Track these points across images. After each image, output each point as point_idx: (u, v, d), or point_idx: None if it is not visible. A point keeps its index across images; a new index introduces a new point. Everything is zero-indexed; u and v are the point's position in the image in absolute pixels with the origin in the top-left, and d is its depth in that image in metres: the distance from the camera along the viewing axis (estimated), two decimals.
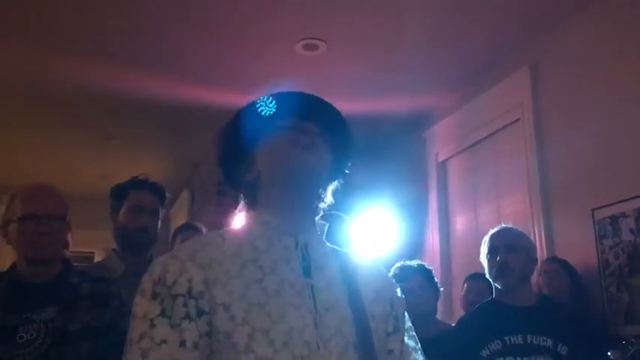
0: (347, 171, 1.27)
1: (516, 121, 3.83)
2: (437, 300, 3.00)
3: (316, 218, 1.22)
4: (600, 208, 3.07)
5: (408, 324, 1.30)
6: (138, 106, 4.60)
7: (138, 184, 2.43)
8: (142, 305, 1.05)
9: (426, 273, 2.90)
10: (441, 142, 4.61)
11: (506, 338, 2.14)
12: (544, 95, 3.61)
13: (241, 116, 1.25)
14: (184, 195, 6.32)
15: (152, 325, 1.02)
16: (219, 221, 4.76)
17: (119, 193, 2.43)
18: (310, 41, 3.70)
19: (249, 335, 1.02)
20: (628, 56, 3.05)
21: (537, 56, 3.67)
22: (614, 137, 3.07)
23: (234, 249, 1.12)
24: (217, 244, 1.12)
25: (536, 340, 2.13)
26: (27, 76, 4.11)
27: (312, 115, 1.21)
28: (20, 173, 5.30)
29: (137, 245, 2.39)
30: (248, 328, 1.02)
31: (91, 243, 6.04)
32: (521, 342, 2.14)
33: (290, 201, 1.17)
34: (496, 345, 2.14)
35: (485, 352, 2.13)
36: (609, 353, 2.45)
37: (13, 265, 1.88)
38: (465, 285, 3.51)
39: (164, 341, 1.01)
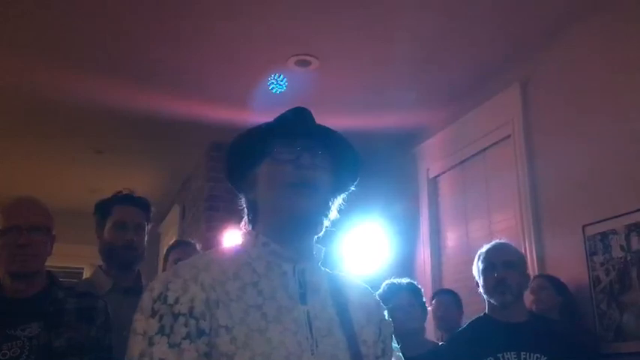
0: (352, 188, 1.28)
1: (507, 137, 3.84)
2: (425, 318, 2.99)
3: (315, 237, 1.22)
4: (591, 224, 3.07)
5: (395, 344, 1.31)
6: (128, 120, 4.57)
7: (122, 198, 2.40)
8: (140, 322, 1.05)
9: (414, 291, 2.89)
10: (431, 158, 4.62)
11: (500, 355, 2.12)
12: (534, 112, 3.63)
13: (246, 135, 1.25)
14: (175, 210, 6.28)
15: (151, 344, 1.02)
16: (210, 237, 4.74)
17: (103, 209, 2.39)
18: (302, 57, 3.70)
19: (251, 359, 1.03)
20: (618, 73, 3.06)
21: (528, 73, 3.69)
22: (605, 154, 3.07)
23: (234, 270, 1.13)
24: (218, 264, 1.13)
25: (529, 357, 2.12)
26: (15, 87, 4.09)
27: (314, 140, 1.20)
28: (7, 186, 5.25)
29: (124, 262, 2.36)
30: (249, 352, 1.03)
31: (80, 258, 5.98)
32: (515, 358, 2.12)
33: (287, 232, 1.18)
34: None
35: None
36: None
37: None
38: (434, 301, 3.54)
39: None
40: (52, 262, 2.07)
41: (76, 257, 5.94)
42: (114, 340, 1.91)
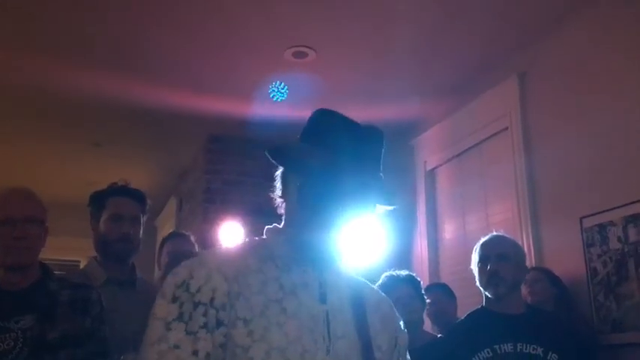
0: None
1: (504, 129, 3.83)
2: (424, 311, 2.99)
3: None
4: (588, 216, 3.06)
5: (407, 357, 1.33)
6: (125, 112, 4.56)
7: (117, 190, 2.38)
8: (161, 307, 1.07)
9: (414, 283, 2.89)
10: (429, 150, 4.61)
11: (497, 347, 2.13)
12: (532, 104, 3.62)
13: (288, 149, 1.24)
14: (172, 203, 6.27)
15: (169, 328, 1.04)
16: (207, 230, 4.73)
17: (98, 200, 2.37)
18: (299, 49, 3.68)
19: (267, 352, 1.04)
20: (617, 65, 3.05)
21: (526, 65, 3.68)
22: (603, 145, 3.07)
23: (257, 263, 1.14)
24: (242, 256, 1.15)
25: (526, 349, 2.13)
26: (11, 80, 4.06)
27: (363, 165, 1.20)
28: (3, 179, 5.23)
29: (119, 254, 2.35)
30: (265, 346, 1.05)
31: (76, 251, 5.97)
32: (512, 350, 2.13)
33: (315, 234, 1.19)
34: (486, 353, 2.13)
35: None
36: None
37: None
38: (427, 298, 3.51)
39: (177, 346, 1.03)
40: (49, 255, 2.07)
41: (73, 250, 5.93)
42: (108, 331, 1.90)
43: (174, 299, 1.06)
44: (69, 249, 5.97)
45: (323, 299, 1.16)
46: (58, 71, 3.93)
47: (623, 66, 3.00)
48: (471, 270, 2.42)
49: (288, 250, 1.18)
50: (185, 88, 4.21)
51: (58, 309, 1.80)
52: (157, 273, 3.38)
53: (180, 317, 1.05)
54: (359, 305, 1.20)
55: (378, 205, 1.24)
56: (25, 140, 5.14)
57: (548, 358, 2.11)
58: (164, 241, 3.12)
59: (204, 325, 1.05)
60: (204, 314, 1.05)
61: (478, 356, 2.13)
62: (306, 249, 1.18)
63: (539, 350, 2.12)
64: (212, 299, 1.06)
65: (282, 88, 4.24)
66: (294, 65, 3.83)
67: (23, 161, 5.53)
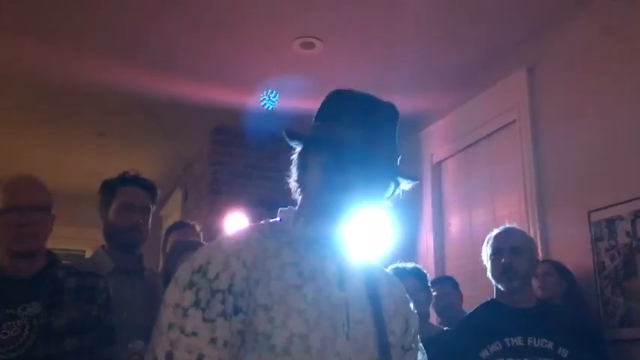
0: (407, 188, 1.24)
1: (512, 122, 3.80)
2: (430, 304, 2.99)
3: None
4: (596, 210, 3.04)
5: (419, 339, 1.32)
6: (130, 103, 4.54)
7: (128, 180, 2.38)
8: (174, 293, 1.05)
9: (420, 276, 2.89)
10: (436, 143, 4.59)
11: (506, 340, 2.13)
12: (541, 97, 3.59)
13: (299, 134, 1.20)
14: (177, 194, 6.27)
15: (185, 315, 1.02)
16: (213, 221, 4.73)
17: (108, 189, 2.37)
18: (307, 39, 3.66)
19: (288, 339, 1.03)
20: (625, 58, 3.02)
21: (534, 58, 3.65)
22: (611, 139, 3.04)
23: (275, 248, 1.12)
24: (260, 241, 1.12)
25: (536, 343, 2.12)
26: (17, 70, 4.05)
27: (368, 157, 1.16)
28: (7, 168, 5.23)
29: (127, 243, 2.35)
30: (287, 332, 1.03)
31: (82, 241, 5.99)
32: (522, 344, 2.12)
33: (332, 221, 1.17)
34: (496, 346, 2.13)
35: (484, 354, 2.12)
36: None
37: None
38: (434, 291, 3.49)
39: (194, 333, 1.01)
40: (54, 245, 2.06)
41: (78, 240, 5.95)
42: (115, 320, 1.90)
43: (191, 285, 1.04)
44: (73, 239, 5.98)
45: (341, 285, 1.14)
46: (61, 61, 3.92)
47: (633, 59, 2.98)
48: (479, 263, 2.41)
49: (307, 234, 1.16)
50: (191, 79, 4.20)
51: (65, 296, 1.79)
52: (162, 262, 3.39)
53: (196, 304, 1.03)
54: (374, 290, 1.19)
55: (404, 182, 1.21)
56: (29, 130, 5.13)
57: (559, 352, 2.10)
58: (169, 231, 3.12)
59: (222, 313, 1.03)
60: (222, 301, 1.03)
61: (488, 349, 2.12)
62: (326, 233, 1.17)
63: (550, 345, 2.11)
64: (230, 286, 1.04)
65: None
66: (302, 56, 3.81)
67: (27, 151, 5.53)
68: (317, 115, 1.23)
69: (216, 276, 1.05)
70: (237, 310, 1.04)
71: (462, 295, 3.49)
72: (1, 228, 1.79)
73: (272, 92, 4.26)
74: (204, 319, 1.02)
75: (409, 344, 1.24)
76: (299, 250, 1.14)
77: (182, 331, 1.01)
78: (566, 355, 2.10)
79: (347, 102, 1.21)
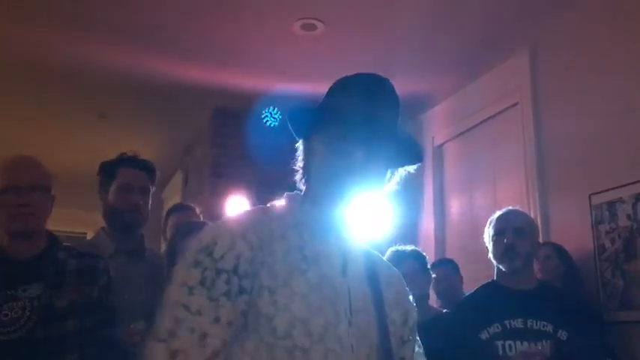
0: (413, 170, 1.25)
1: (514, 105, 3.78)
2: (429, 285, 3.00)
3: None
4: (597, 193, 3.04)
5: (416, 332, 1.33)
6: (131, 84, 4.52)
7: (127, 161, 2.38)
8: (181, 272, 1.06)
9: (419, 258, 2.90)
10: (437, 126, 4.57)
11: (506, 322, 2.13)
12: (543, 79, 3.57)
13: (303, 111, 1.22)
14: (178, 177, 6.27)
15: (190, 293, 1.02)
16: (214, 203, 4.73)
17: (108, 171, 2.37)
18: (308, 21, 3.63)
19: (290, 323, 1.04)
20: (629, 39, 3.00)
21: (537, 39, 3.62)
22: (613, 122, 3.03)
23: (281, 231, 1.12)
24: (266, 223, 1.12)
25: (536, 325, 2.12)
26: (18, 51, 4.03)
27: (382, 132, 1.16)
28: (8, 150, 5.22)
29: (128, 225, 2.35)
30: (289, 316, 1.04)
31: (83, 223, 6.01)
32: (521, 326, 2.13)
33: (334, 206, 1.17)
34: (495, 328, 2.13)
35: (484, 335, 2.12)
36: None
37: None
38: (433, 273, 3.50)
39: (199, 312, 1.01)
40: (55, 227, 2.06)
41: (79, 222, 5.96)
42: (116, 301, 1.91)
43: (197, 264, 1.05)
44: (75, 221, 5.99)
45: (344, 271, 1.15)
46: (62, 43, 3.90)
47: (636, 41, 2.95)
48: (480, 245, 2.41)
49: (313, 219, 1.17)
50: (192, 61, 4.17)
51: (66, 278, 1.80)
52: (164, 245, 3.39)
53: (202, 283, 1.03)
54: (374, 279, 1.20)
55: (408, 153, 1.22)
56: (29, 111, 5.12)
57: (558, 335, 2.11)
58: (169, 213, 3.12)
59: (226, 293, 1.03)
60: (227, 282, 1.04)
61: (487, 331, 2.13)
62: (331, 218, 1.17)
63: (549, 327, 2.11)
64: (236, 266, 1.05)
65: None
66: (303, 38, 3.78)
67: (28, 133, 5.52)
68: (324, 96, 1.24)
69: (222, 256, 1.05)
70: (241, 291, 1.04)
71: (462, 278, 3.50)
72: (0, 209, 1.78)
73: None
74: (208, 298, 1.02)
75: (407, 336, 1.25)
76: (304, 234, 1.14)
77: (187, 309, 1.01)
78: (565, 338, 2.10)
79: (350, 79, 1.23)
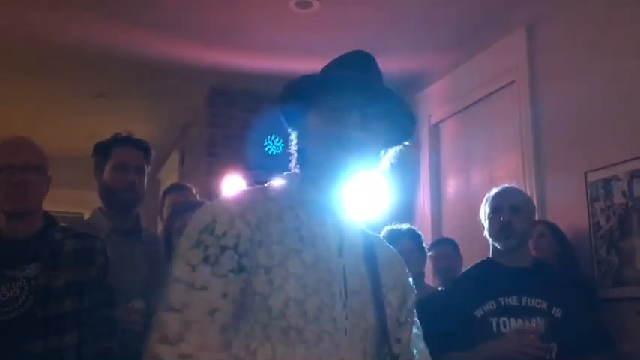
0: (407, 143, 1.27)
1: (511, 83, 3.77)
2: (424, 264, 3.02)
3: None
4: (593, 171, 3.05)
5: (415, 314, 1.33)
6: (127, 64, 4.49)
7: (121, 140, 2.38)
8: (183, 251, 1.06)
9: (415, 237, 2.91)
10: (434, 104, 4.56)
11: (501, 299, 2.13)
12: (540, 57, 3.55)
13: (299, 82, 1.21)
14: (174, 157, 6.26)
15: (194, 271, 1.03)
16: (211, 183, 4.73)
17: (103, 150, 2.37)
18: None
19: (285, 303, 1.04)
20: (626, 18, 2.98)
21: (534, 17, 3.60)
22: (609, 100, 3.02)
23: (277, 212, 1.12)
24: (263, 204, 1.13)
25: (530, 302, 2.13)
26: (13, 29, 3.99)
27: (366, 95, 1.17)
28: (4, 131, 5.20)
29: (124, 204, 2.36)
30: (284, 296, 1.04)
31: (80, 204, 6.00)
32: (516, 303, 2.13)
33: (331, 184, 1.17)
34: (490, 305, 2.13)
35: (479, 312, 2.13)
36: None
37: None
38: (433, 252, 3.52)
39: (204, 287, 1.02)
40: (51, 207, 2.07)
41: (76, 202, 5.95)
42: (113, 281, 1.92)
43: (198, 243, 1.05)
44: (72, 201, 5.99)
45: (341, 253, 1.15)
46: (60, 22, 3.87)
47: (633, 19, 2.94)
48: (476, 224, 2.41)
49: (310, 199, 1.17)
50: (188, 40, 4.15)
51: (63, 258, 1.80)
52: (160, 225, 3.40)
53: (205, 260, 1.04)
54: (372, 260, 1.20)
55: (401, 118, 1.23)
56: (25, 91, 5.09)
57: (552, 312, 2.11)
58: (165, 193, 3.12)
59: (233, 269, 1.04)
60: (231, 258, 1.04)
61: (482, 308, 2.13)
62: (328, 198, 1.17)
63: (544, 305, 2.12)
64: (236, 245, 1.05)
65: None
66: (298, 16, 3.76)
67: (23, 113, 5.49)
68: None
69: (224, 233, 1.05)
70: (240, 269, 1.05)
71: (462, 258, 3.52)
72: None
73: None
74: (214, 275, 1.03)
75: (405, 318, 1.25)
76: (300, 215, 1.14)
77: (193, 286, 1.02)
78: (559, 315, 2.12)
79: (339, 57, 1.23)
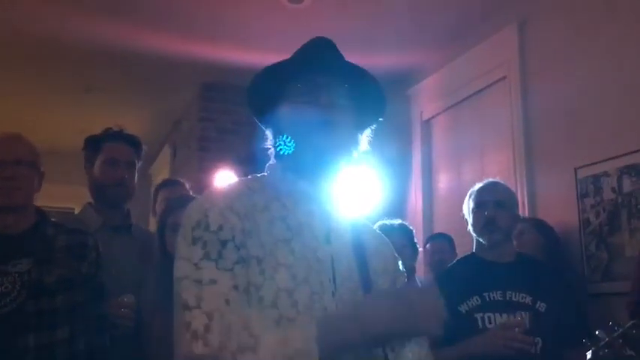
0: (380, 119, 1.27)
1: (502, 79, 3.79)
2: (416, 259, 3.03)
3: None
4: (583, 167, 3.07)
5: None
6: (117, 58, 4.47)
7: (112, 135, 2.37)
8: (183, 248, 1.06)
9: (406, 232, 2.92)
10: (425, 100, 4.57)
11: (486, 294, 2.13)
12: (531, 53, 3.57)
13: (263, 76, 1.24)
14: (166, 151, 6.24)
15: (198, 268, 1.03)
16: (202, 178, 4.72)
17: (93, 144, 2.36)
18: None
19: (276, 293, 1.05)
20: (617, 13, 3.00)
21: (525, 13, 3.61)
22: (599, 96, 3.04)
23: (263, 202, 1.13)
24: (247, 195, 1.13)
25: (515, 297, 2.13)
26: (1, 22, 3.96)
27: (332, 76, 1.18)
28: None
29: (114, 199, 2.35)
30: (275, 286, 1.05)
31: (70, 198, 5.94)
32: (501, 298, 2.13)
33: (313, 170, 1.18)
34: (475, 301, 2.13)
35: (464, 308, 2.13)
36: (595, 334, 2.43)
37: None
38: (428, 245, 3.53)
39: (213, 281, 1.01)
40: (42, 202, 2.06)
41: (66, 197, 5.91)
42: (104, 277, 1.92)
43: (195, 240, 1.05)
44: (62, 196, 5.94)
45: (328, 241, 1.15)
46: (49, 16, 3.83)
47: (624, 14, 2.95)
48: (464, 217, 2.41)
49: (295, 188, 1.17)
50: (179, 34, 4.13)
51: (55, 254, 1.80)
52: (153, 221, 3.39)
53: (206, 256, 1.03)
54: (360, 248, 1.20)
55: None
56: (14, 86, 5.05)
57: (537, 307, 2.12)
58: (158, 188, 3.11)
59: (238, 261, 1.04)
60: (233, 250, 1.05)
61: (467, 303, 2.12)
62: (313, 186, 1.18)
63: (528, 299, 2.12)
64: (234, 237, 1.06)
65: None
66: (290, 10, 3.75)
67: (11, 106, 5.45)
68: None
69: (220, 227, 1.06)
70: (242, 260, 1.05)
71: (456, 255, 3.53)
72: None
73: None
74: (219, 269, 1.02)
75: None
76: (287, 204, 1.14)
77: (200, 282, 1.01)
78: (544, 310, 2.12)
79: (301, 46, 1.25)
